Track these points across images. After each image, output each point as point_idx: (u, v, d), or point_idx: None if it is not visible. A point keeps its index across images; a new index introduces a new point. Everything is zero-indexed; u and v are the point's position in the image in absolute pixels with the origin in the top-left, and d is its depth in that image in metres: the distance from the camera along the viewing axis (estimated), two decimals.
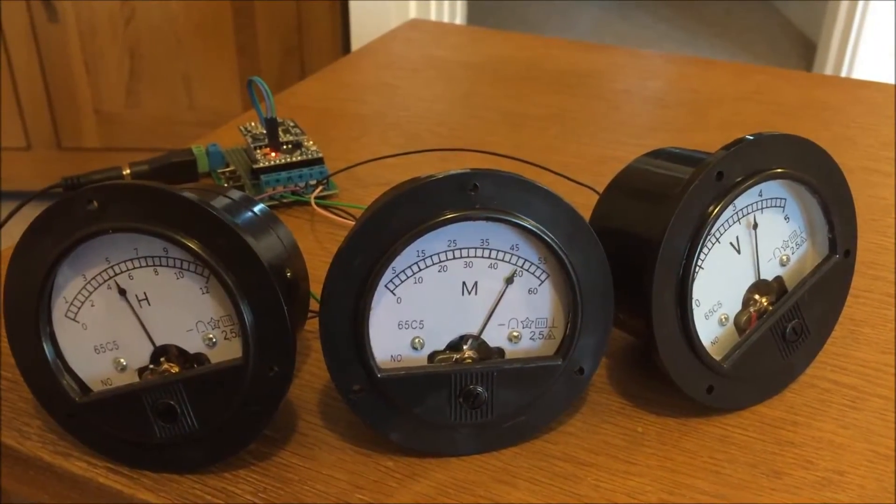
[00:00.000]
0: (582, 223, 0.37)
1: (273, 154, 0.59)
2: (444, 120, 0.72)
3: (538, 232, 0.37)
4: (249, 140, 0.61)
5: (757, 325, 0.40)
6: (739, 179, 0.38)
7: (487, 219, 0.36)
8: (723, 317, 0.40)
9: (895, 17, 1.97)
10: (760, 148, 0.39)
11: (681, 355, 0.39)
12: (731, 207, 0.39)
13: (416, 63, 0.85)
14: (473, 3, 2.27)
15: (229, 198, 0.42)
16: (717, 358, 0.40)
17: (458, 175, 0.36)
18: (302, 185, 0.58)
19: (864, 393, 0.42)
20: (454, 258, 0.37)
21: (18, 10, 1.71)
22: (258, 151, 0.59)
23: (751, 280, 0.41)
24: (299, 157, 0.59)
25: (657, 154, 0.44)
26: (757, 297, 0.41)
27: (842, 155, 0.66)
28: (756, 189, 0.39)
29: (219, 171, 0.60)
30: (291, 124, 0.63)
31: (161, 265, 0.36)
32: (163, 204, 0.35)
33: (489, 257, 0.37)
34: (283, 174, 0.58)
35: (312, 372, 0.43)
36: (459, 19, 2.01)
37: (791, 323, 0.40)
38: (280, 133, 0.61)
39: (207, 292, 0.36)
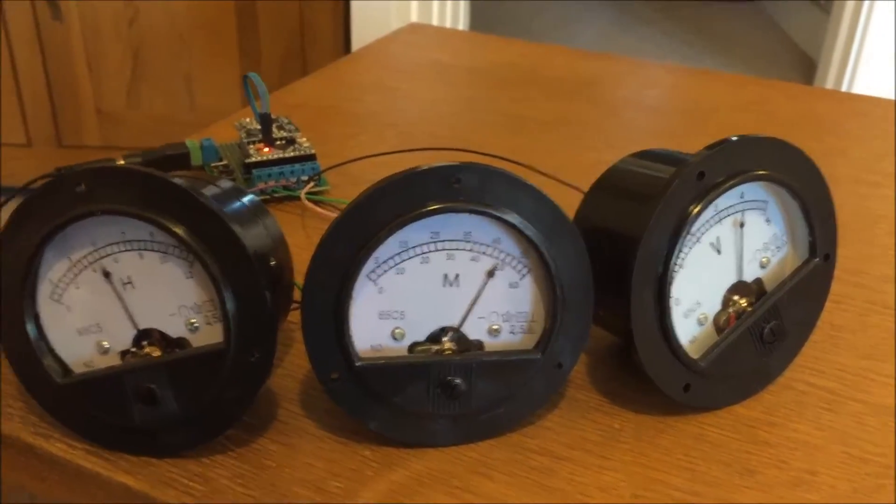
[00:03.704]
0: (564, 220, 0.38)
1: (266, 149, 0.60)
2: (441, 122, 0.73)
3: (520, 227, 0.37)
4: (243, 135, 0.61)
5: (735, 325, 0.40)
6: (721, 180, 0.39)
7: (471, 211, 0.37)
8: (702, 316, 0.41)
9: (895, 36, 1.98)
10: (743, 150, 0.39)
11: (658, 353, 0.39)
12: (712, 208, 0.39)
13: (415, 66, 0.86)
14: (477, 17, 2.28)
15: (219, 187, 0.42)
16: (695, 357, 0.40)
17: (442, 167, 0.36)
18: (293, 180, 0.59)
19: (841, 396, 0.42)
20: (437, 250, 0.37)
21: (23, 8, 1.72)
22: (251, 146, 0.60)
23: (731, 281, 0.41)
24: (292, 153, 0.59)
25: (643, 155, 0.45)
26: (736, 297, 0.41)
27: (833, 166, 0.67)
28: (738, 190, 0.40)
29: (212, 164, 0.61)
30: (286, 121, 0.64)
31: (146, 249, 0.36)
32: (150, 188, 0.35)
33: (471, 250, 0.38)
34: (276, 169, 0.59)
35: (295, 362, 0.44)
36: (462, 29, 2.02)
37: (769, 324, 0.41)
38: (274, 129, 0.62)
39: (191, 277, 0.36)
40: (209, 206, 0.35)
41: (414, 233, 0.37)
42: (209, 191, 0.41)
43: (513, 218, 0.37)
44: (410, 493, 0.37)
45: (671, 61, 2.49)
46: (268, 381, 0.42)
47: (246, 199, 0.42)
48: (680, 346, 0.39)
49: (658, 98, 0.80)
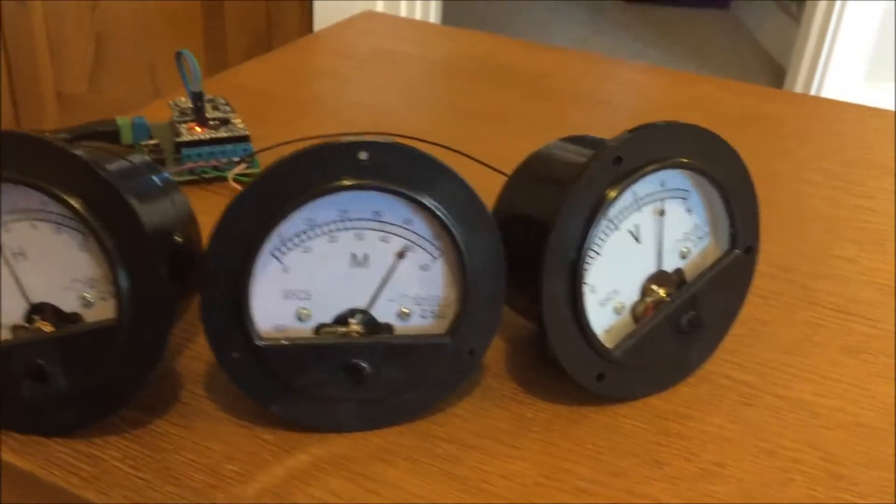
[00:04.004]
0: (477, 202, 0.37)
1: (198, 129, 0.58)
2: (384, 110, 0.72)
3: (432, 208, 0.36)
4: (176, 114, 0.60)
5: (652, 315, 0.40)
6: (639, 166, 0.38)
7: (379, 189, 0.36)
8: (619, 305, 0.40)
9: (864, 43, 2.00)
10: (663, 136, 0.39)
11: (571, 341, 0.38)
12: (630, 194, 0.39)
13: (366, 54, 0.85)
14: (449, 17, 2.27)
15: (128, 161, 0.40)
16: (610, 346, 0.39)
17: (349, 143, 0.35)
18: (224, 161, 0.57)
19: (760, 390, 0.42)
20: (344, 229, 0.36)
21: None
22: (183, 126, 0.58)
23: (650, 270, 0.40)
24: (224, 134, 0.58)
25: (571, 139, 0.44)
26: (655, 287, 0.40)
27: (776, 164, 0.67)
28: (657, 178, 0.39)
29: (142, 143, 0.59)
30: (222, 101, 0.63)
31: (40, 219, 0.35)
32: (44, 156, 0.34)
33: (381, 230, 0.37)
34: (206, 149, 0.57)
35: (203, 343, 0.42)
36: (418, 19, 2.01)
37: (687, 315, 0.40)
38: (209, 109, 0.60)
39: (86, 250, 0.35)
40: (105, 177, 0.34)
41: (321, 210, 0.36)
42: (117, 164, 0.39)
43: (424, 199, 0.36)
44: (308, 478, 0.35)
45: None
46: (172, 362, 0.41)
47: (155, 176, 0.41)
48: (593, 335, 0.39)
49: (607, 92, 0.80)
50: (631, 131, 0.38)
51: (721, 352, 0.44)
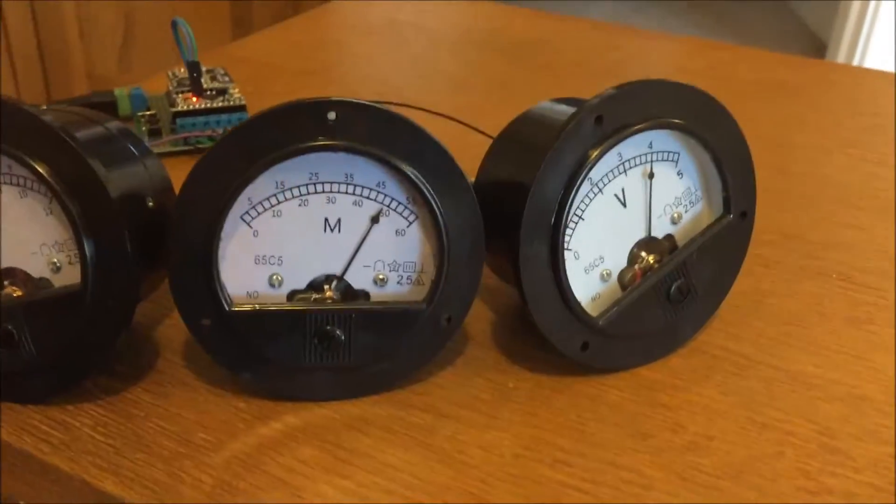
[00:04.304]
0: (453, 164, 0.36)
1: (194, 99, 0.58)
2: (386, 80, 0.71)
3: (405, 170, 0.35)
4: (174, 84, 0.59)
5: (639, 282, 0.38)
6: (622, 125, 0.36)
7: (348, 151, 0.34)
8: (605, 272, 0.38)
9: None
10: (650, 96, 0.37)
11: (553, 309, 0.37)
12: (615, 156, 0.37)
13: (372, 26, 0.83)
14: None
15: (104, 127, 0.40)
16: (596, 314, 0.38)
17: (317, 102, 0.34)
18: (220, 131, 0.57)
19: (755, 361, 0.40)
20: (315, 192, 0.35)
21: None
22: (179, 96, 0.58)
23: (638, 236, 0.39)
24: (221, 104, 0.57)
25: (560, 100, 0.42)
26: (644, 254, 0.39)
27: (790, 132, 0.64)
28: (644, 138, 0.37)
29: (140, 114, 0.59)
30: (221, 72, 0.62)
31: (4, 182, 0.34)
32: (10, 119, 0.33)
33: (353, 193, 0.35)
34: (201, 119, 0.57)
35: None
36: None
37: (676, 282, 0.39)
38: (207, 80, 0.60)
39: (51, 214, 0.34)
40: (69, 142, 0.33)
41: (290, 172, 0.35)
42: (90, 131, 0.39)
43: (397, 161, 0.35)
44: (278, 446, 0.35)
45: None
46: (151, 330, 0.41)
47: (130, 142, 0.40)
48: (577, 303, 0.37)
49: (613, 62, 0.77)
50: (615, 88, 0.36)
51: (718, 322, 0.42)
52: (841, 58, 2.06)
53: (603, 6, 2.73)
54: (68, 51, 1.80)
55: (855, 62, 2.03)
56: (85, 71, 1.83)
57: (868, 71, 0.76)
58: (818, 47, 2.41)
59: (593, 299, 0.38)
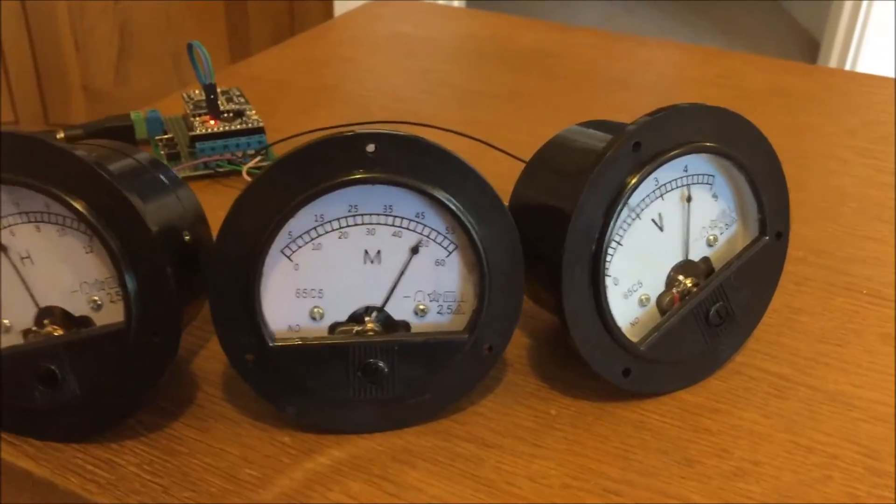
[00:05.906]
0: (491, 193, 0.36)
1: (212, 122, 0.57)
2: (397, 95, 0.71)
3: (444, 200, 0.35)
4: (190, 107, 0.59)
5: (678, 306, 0.38)
6: (659, 151, 0.36)
7: (388, 183, 0.34)
8: (644, 297, 0.38)
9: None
10: (684, 119, 0.37)
11: (595, 335, 0.37)
12: (652, 181, 0.37)
13: (377, 39, 0.83)
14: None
15: (134, 159, 0.40)
16: (636, 339, 0.38)
17: (356, 135, 0.34)
18: (239, 154, 0.56)
19: (792, 382, 0.40)
20: (355, 224, 0.35)
21: None
22: (196, 119, 0.57)
23: (676, 259, 0.39)
24: (238, 126, 0.57)
25: (589, 124, 0.42)
26: (682, 277, 0.39)
27: (802, 142, 0.64)
28: (680, 163, 0.37)
29: (157, 138, 0.59)
30: (237, 93, 0.62)
31: (43, 221, 0.34)
32: (46, 157, 0.33)
33: (393, 224, 0.35)
34: (220, 142, 0.56)
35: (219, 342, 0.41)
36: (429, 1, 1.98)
37: (715, 306, 0.39)
38: (223, 102, 0.60)
39: (91, 252, 0.34)
40: (107, 178, 0.33)
41: (330, 206, 0.35)
42: (121, 164, 0.38)
43: (436, 191, 0.35)
44: (327, 481, 0.35)
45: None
46: (188, 363, 0.40)
47: (161, 173, 0.40)
48: (618, 328, 0.37)
49: (623, 71, 0.77)
50: (650, 115, 0.36)
51: (752, 342, 0.42)
52: (835, 56, 2.07)
53: (595, 7, 2.74)
54: (64, 65, 1.80)
55: (849, 60, 2.04)
56: (81, 84, 1.82)
57: (880, 78, 0.76)
58: (812, 46, 2.42)
59: (632, 324, 0.38)
